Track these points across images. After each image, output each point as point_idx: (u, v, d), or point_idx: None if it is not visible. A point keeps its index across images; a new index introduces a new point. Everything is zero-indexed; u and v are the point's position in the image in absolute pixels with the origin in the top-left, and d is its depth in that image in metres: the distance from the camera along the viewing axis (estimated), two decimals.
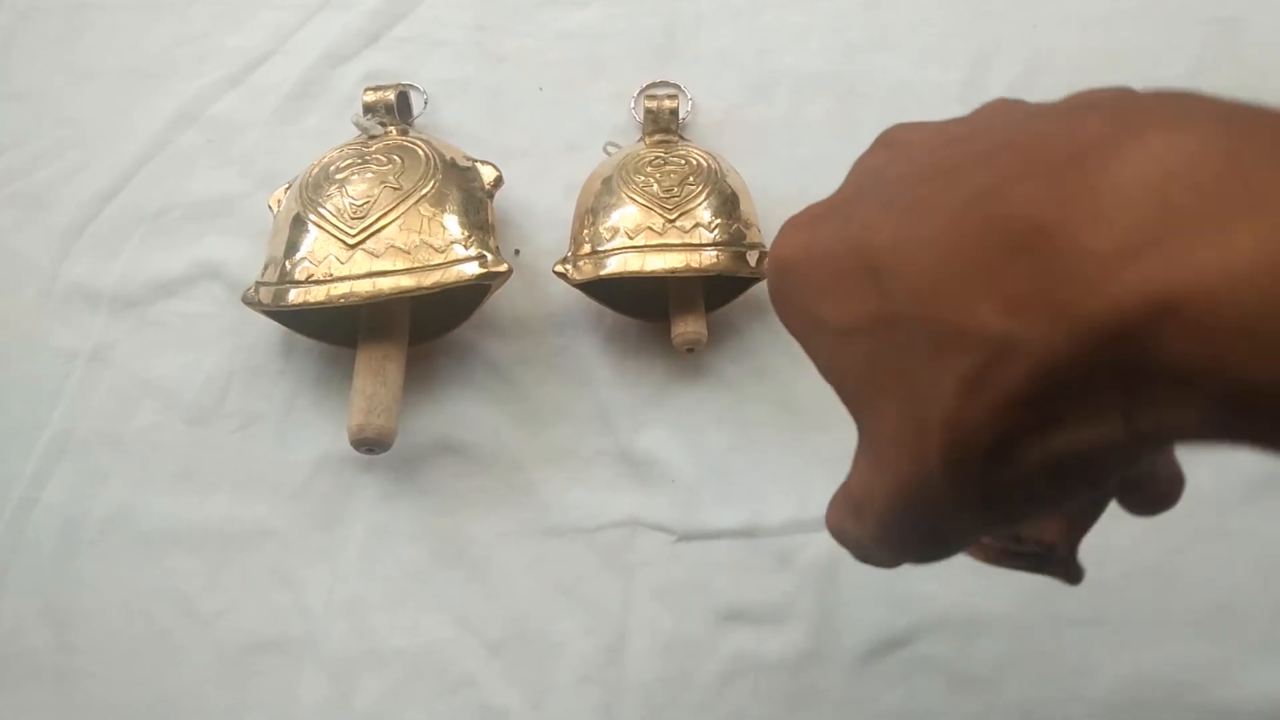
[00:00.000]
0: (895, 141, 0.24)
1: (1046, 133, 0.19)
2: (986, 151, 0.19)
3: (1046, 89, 0.52)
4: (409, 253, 0.45)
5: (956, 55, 0.53)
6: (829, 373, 0.23)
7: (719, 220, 0.46)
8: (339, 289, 0.45)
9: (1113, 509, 0.43)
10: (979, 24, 0.53)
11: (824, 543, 0.46)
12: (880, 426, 0.21)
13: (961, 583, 0.45)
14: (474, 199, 0.47)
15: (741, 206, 0.48)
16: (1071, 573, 0.27)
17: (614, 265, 0.46)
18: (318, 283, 0.45)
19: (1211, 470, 0.46)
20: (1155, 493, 0.26)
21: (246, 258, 0.51)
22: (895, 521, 0.22)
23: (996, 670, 0.43)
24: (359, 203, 0.46)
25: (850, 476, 0.23)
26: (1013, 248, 0.17)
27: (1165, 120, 0.17)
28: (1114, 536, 0.45)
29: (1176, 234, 0.15)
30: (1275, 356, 0.15)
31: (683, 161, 0.48)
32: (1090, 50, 0.52)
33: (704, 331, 0.47)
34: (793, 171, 0.51)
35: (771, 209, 0.49)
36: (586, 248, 0.47)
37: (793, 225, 0.24)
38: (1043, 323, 0.17)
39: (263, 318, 0.48)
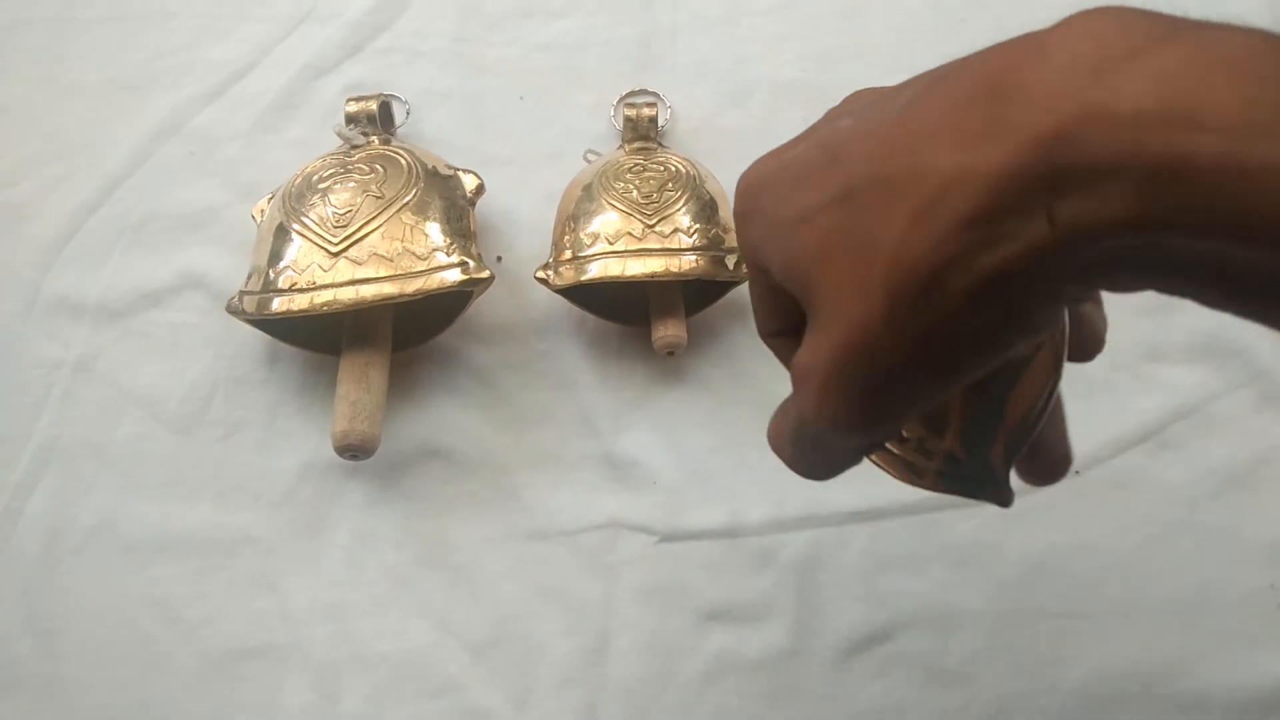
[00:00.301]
0: (848, 98, 0.28)
1: (989, 51, 0.22)
2: (932, 75, 0.24)
3: None
4: (392, 260, 0.46)
5: (928, 62, 0.53)
6: (785, 268, 0.24)
7: (698, 225, 0.47)
8: (322, 297, 0.45)
9: (1075, 511, 0.44)
10: (951, 33, 0.54)
11: (803, 542, 0.46)
12: (828, 291, 0.23)
13: (938, 578, 0.45)
14: (456, 207, 0.48)
15: (720, 212, 0.48)
16: (1004, 495, 0.28)
17: (595, 270, 0.46)
18: (301, 291, 0.46)
19: (1183, 466, 0.47)
20: (1080, 340, 0.28)
21: (230, 268, 0.51)
22: (834, 383, 0.23)
23: (973, 664, 0.44)
24: (341, 211, 0.47)
25: (795, 357, 0.24)
26: (968, 98, 0.21)
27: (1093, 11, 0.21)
28: (1087, 532, 0.46)
29: (1105, 63, 0.19)
30: (1175, 139, 0.18)
31: (662, 168, 0.49)
32: None
33: (684, 335, 0.47)
34: None
35: None
36: (568, 254, 0.48)
37: (760, 158, 0.27)
38: (989, 145, 0.20)
39: (247, 327, 0.49)
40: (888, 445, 0.29)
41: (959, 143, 0.20)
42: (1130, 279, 0.21)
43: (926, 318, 0.21)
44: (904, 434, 0.29)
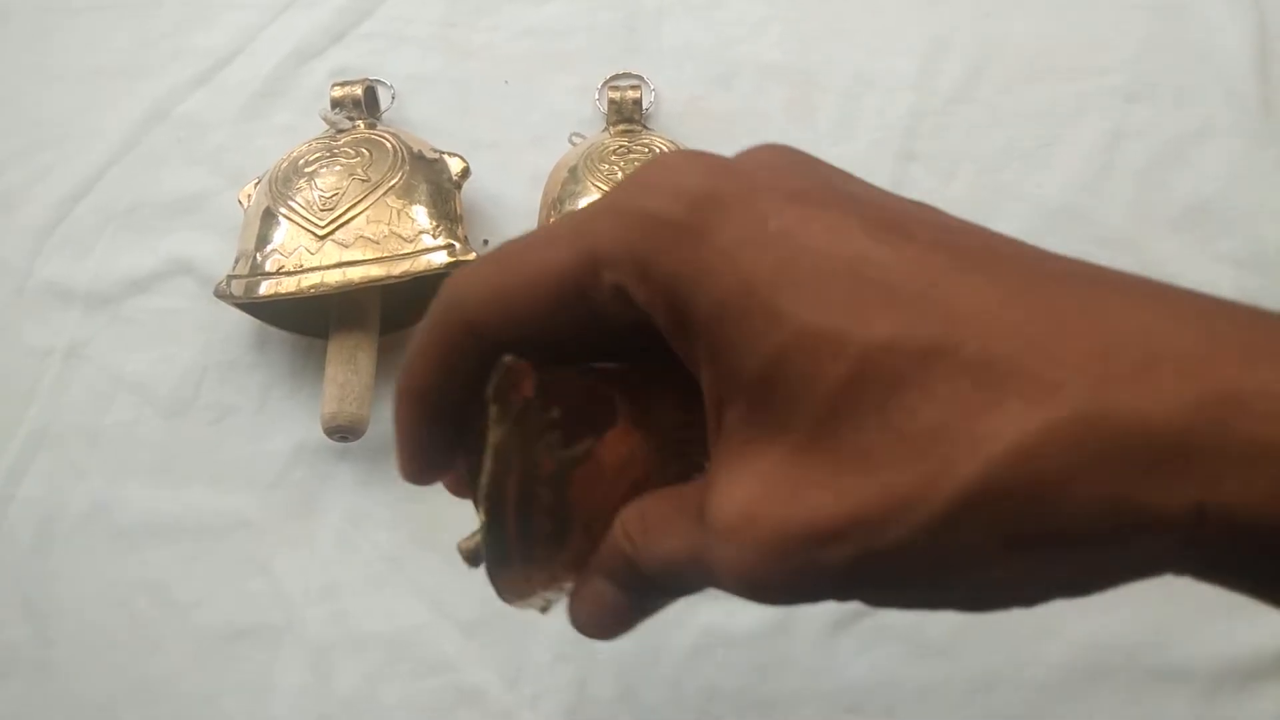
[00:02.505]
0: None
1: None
2: None
3: (998, 76, 0.54)
4: (378, 243, 0.46)
5: (911, 44, 0.54)
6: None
7: None
8: (309, 279, 0.46)
9: None
10: (932, 13, 0.54)
11: None
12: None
13: None
14: (442, 190, 0.48)
15: None
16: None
17: None
18: (288, 274, 0.46)
19: None
20: None
21: (218, 253, 0.51)
22: (817, 556, 0.19)
23: (958, 637, 0.45)
24: (328, 195, 0.47)
25: (726, 489, 0.20)
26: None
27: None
28: None
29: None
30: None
31: (646, 150, 0.49)
32: (1040, 36, 0.54)
33: None
34: None
35: None
36: None
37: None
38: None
39: (235, 311, 0.49)
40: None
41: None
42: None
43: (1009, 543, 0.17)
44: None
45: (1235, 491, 0.16)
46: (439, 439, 0.25)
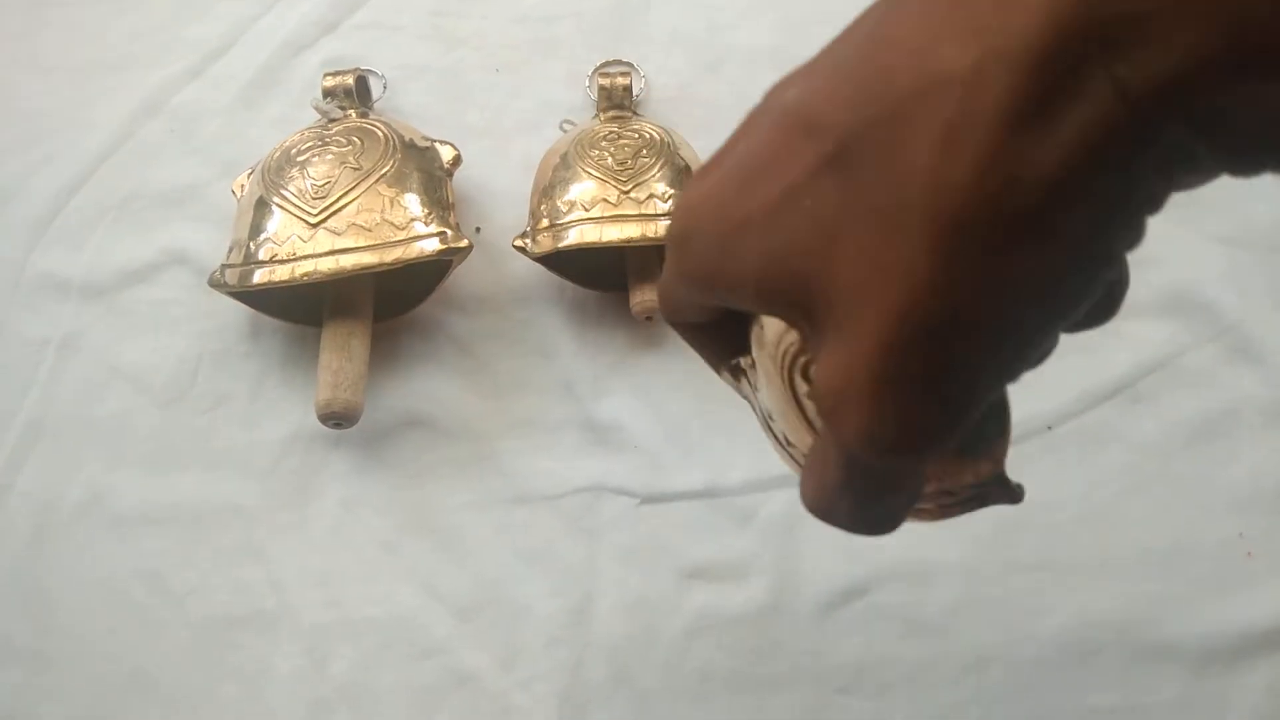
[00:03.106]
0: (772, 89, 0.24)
1: None
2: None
3: None
4: (370, 230, 0.46)
5: None
6: (766, 279, 0.20)
7: (673, 191, 0.48)
8: (303, 267, 0.46)
9: (1048, 465, 0.44)
10: None
11: (782, 500, 0.47)
12: (844, 281, 0.18)
13: (914, 533, 0.46)
14: (433, 178, 0.49)
15: None
16: (1013, 493, 0.26)
17: (572, 237, 0.47)
18: (282, 262, 0.46)
19: (1154, 420, 0.48)
20: (1110, 297, 0.23)
21: (212, 244, 0.52)
22: (888, 390, 0.18)
23: (950, 616, 0.45)
24: (320, 183, 0.47)
25: (818, 383, 0.19)
26: None
27: None
28: (1064, 485, 0.47)
29: None
30: None
31: (636, 136, 0.49)
32: None
33: None
34: None
35: None
36: (545, 222, 0.48)
37: (692, 179, 0.23)
38: (1011, 17, 0.16)
39: (230, 301, 0.49)
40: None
41: (970, 31, 0.16)
42: (1221, 156, 0.16)
43: (993, 263, 0.16)
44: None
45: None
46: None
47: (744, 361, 0.27)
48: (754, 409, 0.28)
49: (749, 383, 0.27)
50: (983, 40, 0.16)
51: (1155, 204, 0.18)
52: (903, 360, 0.17)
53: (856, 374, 0.18)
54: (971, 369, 0.18)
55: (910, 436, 0.18)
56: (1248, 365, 0.48)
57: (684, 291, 0.23)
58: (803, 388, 0.24)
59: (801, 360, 0.24)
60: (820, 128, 0.19)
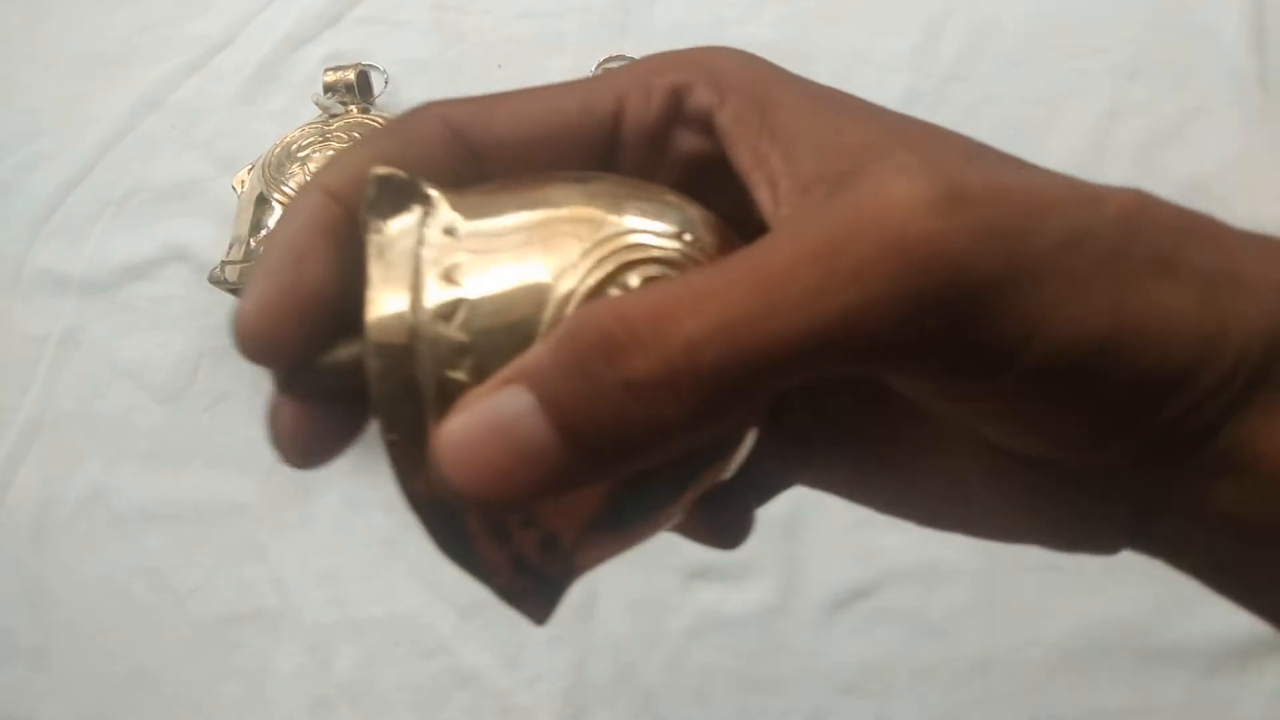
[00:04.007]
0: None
1: None
2: None
3: (995, 55, 0.54)
4: None
5: (907, 23, 0.54)
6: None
7: None
8: None
9: None
10: None
11: (786, 500, 0.46)
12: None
13: (920, 534, 0.46)
14: None
15: None
16: (538, 608, 0.20)
17: None
18: None
19: None
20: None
21: (212, 240, 0.51)
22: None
23: (956, 618, 0.45)
24: None
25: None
26: None
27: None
28: None
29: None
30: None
31: None
32: (1036, 15, 0.53)
33: None
34: None
35: None
36: None
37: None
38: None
39: (230, 298, 0.49)
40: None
41: None
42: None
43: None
44: None
45: None
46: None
47: None
48: None
49: None
50: None
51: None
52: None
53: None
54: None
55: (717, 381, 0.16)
56: None
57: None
58: None
59: None
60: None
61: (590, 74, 0.53)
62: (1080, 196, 0.17)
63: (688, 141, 0.20)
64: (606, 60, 0.53)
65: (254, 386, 0.49)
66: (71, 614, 0.46)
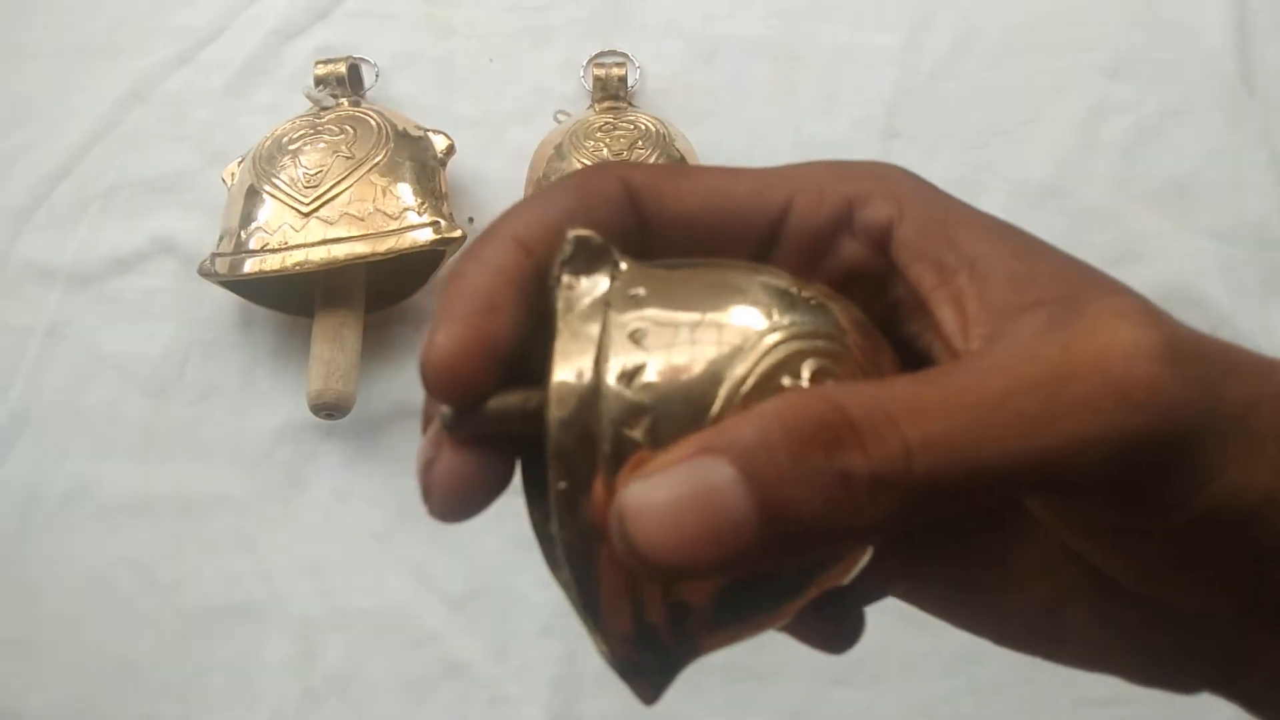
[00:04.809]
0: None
1: None
2: None
3: (980, 52, 0.54)
4: (363, 220, 0.46)
5: (893, 20, 0.54)
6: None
7: None
8: (294, 257, 0.46)
9: None
10: None
11: None
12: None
13: None
14: (426, 167, 0.48)
15: None
16: (654, 691, 0.21)
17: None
18: (273, 251, 0.46)
19: None
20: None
21: (201, 232, 0.51)
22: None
23: None
24: (312, 172, 0.47)
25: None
26: None
27: None
28: None
29: None
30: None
31: (631, 127, 0.49)
32: (1021, 13, 0.54)
33: None
34: (738, 135, 0.52)
35: None
36: None
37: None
38: None
39: (219, 290, 0.49)
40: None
41: None
42: None
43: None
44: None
45: None
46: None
47: None
48: None
49: None
50: None
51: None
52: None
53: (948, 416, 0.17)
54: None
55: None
56: None
57: None
58: None
59: None
60: None
61: (582, 70, 0.53)
62: (1256, 361, 0.18)
63: (851, 250, 0.21)
64: (598, 56, 0.54)
65: (243, 380, 0.49)
66: (58, 606, 0.46)
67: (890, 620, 0.45)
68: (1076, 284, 0.18)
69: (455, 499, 0.20)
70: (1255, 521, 0.17)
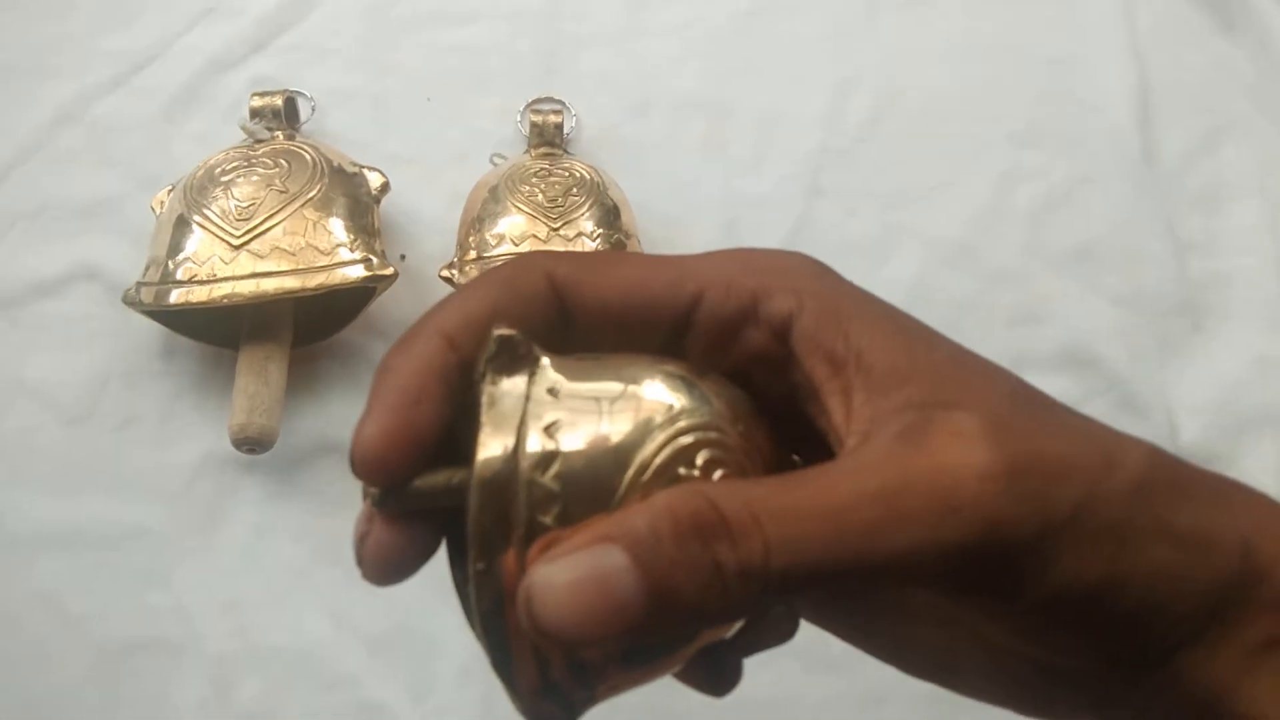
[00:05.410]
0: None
1: None
2: None
3: (901, 118, 0.56)
4: (294, 254, 0.46)
5: (820, 84, 0.56)
6: None
7: (601, 230, 0.49)
8: (222, 289, 0.45)
9: None
10: (842, 55, 0.57)
11: None
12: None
13: None
14: (360, 204, 0.49)
15: (622, 218, 0.50)
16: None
17: None
18: (201, 283, 0.46)
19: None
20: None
21: (126, 260, 0.51)
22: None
23: (852, 653, 0.46)
24: (244, 204, 0.47)
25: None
26: None
27: None
28: None
29: None
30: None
31: (566, 174, 0.50)
32: (941, 83, 0.56)
33: None
34: (670, 186, 0.54)
35: (649, 225, 0.52)
36: (473, 254, 0.49)
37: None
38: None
39: (143, 319, 0.48)
40: None
41: None
42: None
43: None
44: None
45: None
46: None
47: None
48: None
49: None
50: None
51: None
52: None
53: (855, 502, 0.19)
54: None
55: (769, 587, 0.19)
56: (1133, 418, 0.51)
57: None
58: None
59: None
60: None
61: (519, 115, 0.54)
62: (1101, 460, 0.21)
63: (756, 338, 0.23)
64: (535, 102, 0.55)
65: (165, 411, 0.49)
66: None
67: (801, 665, 0.46)
68: (944, 388, 0.21)
69: (387, 568, 0.22)
70: (1096, 600, 0.20)
